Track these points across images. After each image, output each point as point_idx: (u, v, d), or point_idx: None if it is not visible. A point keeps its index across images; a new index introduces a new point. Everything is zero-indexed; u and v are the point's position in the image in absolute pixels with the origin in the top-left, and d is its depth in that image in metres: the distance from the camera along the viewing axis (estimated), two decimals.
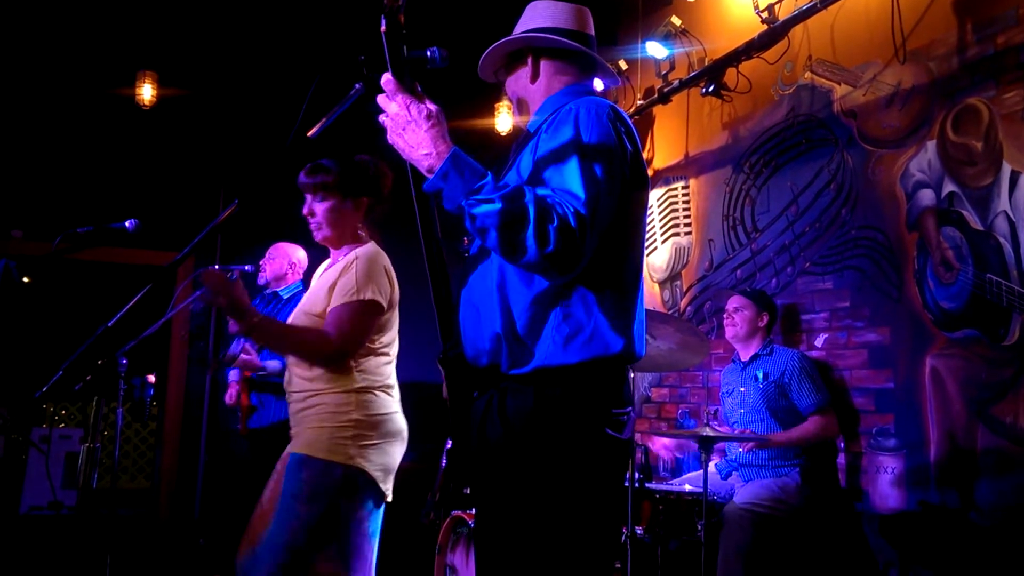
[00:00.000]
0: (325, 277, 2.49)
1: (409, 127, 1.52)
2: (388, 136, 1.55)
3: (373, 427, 2.34)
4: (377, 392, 2.38)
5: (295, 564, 2.21)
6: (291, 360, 2.47)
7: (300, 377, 2.40)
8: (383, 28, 1.51)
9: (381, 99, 1.55)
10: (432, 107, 1.54)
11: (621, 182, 1.61)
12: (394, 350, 2.50)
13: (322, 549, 2.23)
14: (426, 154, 1.51)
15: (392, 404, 2.43)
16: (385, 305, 2.38)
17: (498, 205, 1.45)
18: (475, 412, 1.67)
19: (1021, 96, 3.01)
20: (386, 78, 1.53)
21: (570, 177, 1.54)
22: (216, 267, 2.47)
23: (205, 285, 2.24)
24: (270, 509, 2.31)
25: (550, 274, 1.55)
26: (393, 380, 2.47)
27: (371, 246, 2.47)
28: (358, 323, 2.33)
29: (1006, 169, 3.04)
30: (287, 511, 2.24)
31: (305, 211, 2.49)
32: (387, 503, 2.42)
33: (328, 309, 2.37)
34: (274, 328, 2.40)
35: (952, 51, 3.30)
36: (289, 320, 2.55)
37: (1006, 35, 3.09)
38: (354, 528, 2.28)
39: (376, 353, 2.41)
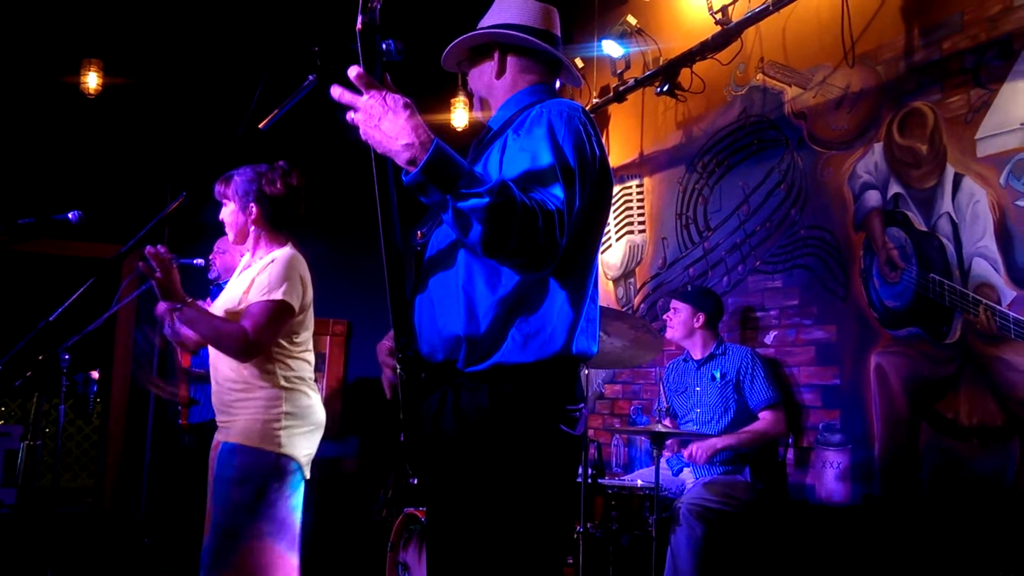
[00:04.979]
0: (244, 276, 2.70)
1: (387, 117, 1.42)
2: (361, 131, 1.45)
3: (301, 418, 2.60)
4: (302, 387, 2.63)
5: (226, 542, 2.46)
6: (215, 356, 2.66)
7: (229, 370, 2.60)
8: (359, 26, 1.47)
9: (347, 95, 1.45)
10: (407, 99, 1.45)
11: (591, 185, 1.62)
12: (310, 347, 2.72)
13: (256, 526, 2.48)
14: (407, 144, 1.40)
15: (314, 398, 2.68)
16: (296, 307, 2.58)
17: (486, 199, 1.40)
18: (428, 407, 1.67)
19: (965, 100, 3.09)
20: (357, 71, 1.44)
21: (547, 178, 1.54)
22: (164, 249, 2.48)
23: (148, 258, 2.47)
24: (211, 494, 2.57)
25: (527, 270, 1.54)
26: (311, 375, 2.71)
27: (288, 250, 2.68)
28: (271, 320, 2.52)
29: (949, 171, 3.12)
30: (221, 495, 2.49)
31: (220, 216, 2.78)
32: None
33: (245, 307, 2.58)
34: (199, 314, 2.56)
35: (899, 55, 3.38)
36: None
37: (951, 40, 3.17)
38: (281, 504, 2.53)
39: (296, 354, 2.63)
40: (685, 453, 3.59)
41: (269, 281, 2.54)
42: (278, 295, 2.52)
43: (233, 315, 2.58)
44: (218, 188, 2.72)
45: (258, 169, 2.69)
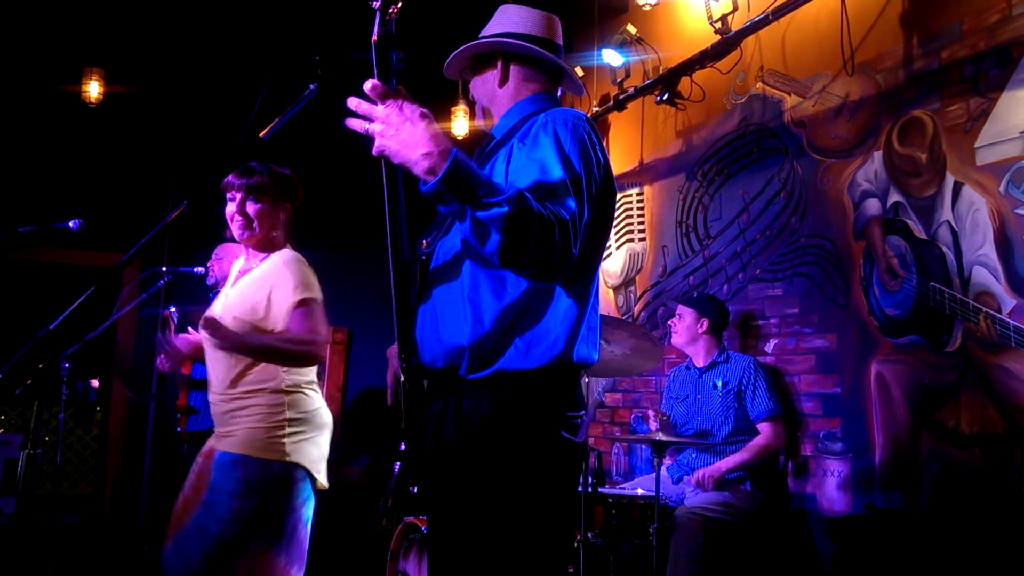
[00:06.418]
0: (253, 282, 2.54)
1: (405, 127, 1.42)
2: (378, 142, 1.44)
3: (305, 423, 2.49)
4: (305, 390, 2.53)
5: (224, 553, 2.32)
6: (212, 365, 2.54)
7: (225, 379, 2.49)
8: (374, 38, 1.48)
9: (363, 105, 1.45)
10: (424, 108, 1.45)
11: (597, 193, 1.63)
12: None
13: (258, 537, 2.35)
14: (426, 154, 1.40)
15: (317, 400, 2.58)
16: (320, 298, 2.50)
17: (505, 208, 1.41)
18: (429, 415, 1.67)
19: (964, 109, 3.09)
20: (372, 83, 1.44)
21: (558, 189, 1.54)
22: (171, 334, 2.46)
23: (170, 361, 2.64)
24: (195, 500, 2.41)
25: (541, 279, 1.55)
26: (315, 376, 2.61)
27: (290, 251, 2.59)
28: (319, 319, 2.45)
29: (949, 180, 3.12)
30: (219, 505, 2.35)
31: (234, 210, 2.53)
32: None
33: (281, 316, 2.44)
34: (247, 345, 2.43)
35: (899, 64, 3.39)
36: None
37: (950, 49, 3.18)
38: (290, 516, 2.42)
39: None
40: (693, 481, 3.56)
41: (298, 283, 2.45)
42: (311, 293, 2.46)
43: (255, 326, 2.46)
44: (244, 180, 2.52)
45: (281, 168, 2.61)
